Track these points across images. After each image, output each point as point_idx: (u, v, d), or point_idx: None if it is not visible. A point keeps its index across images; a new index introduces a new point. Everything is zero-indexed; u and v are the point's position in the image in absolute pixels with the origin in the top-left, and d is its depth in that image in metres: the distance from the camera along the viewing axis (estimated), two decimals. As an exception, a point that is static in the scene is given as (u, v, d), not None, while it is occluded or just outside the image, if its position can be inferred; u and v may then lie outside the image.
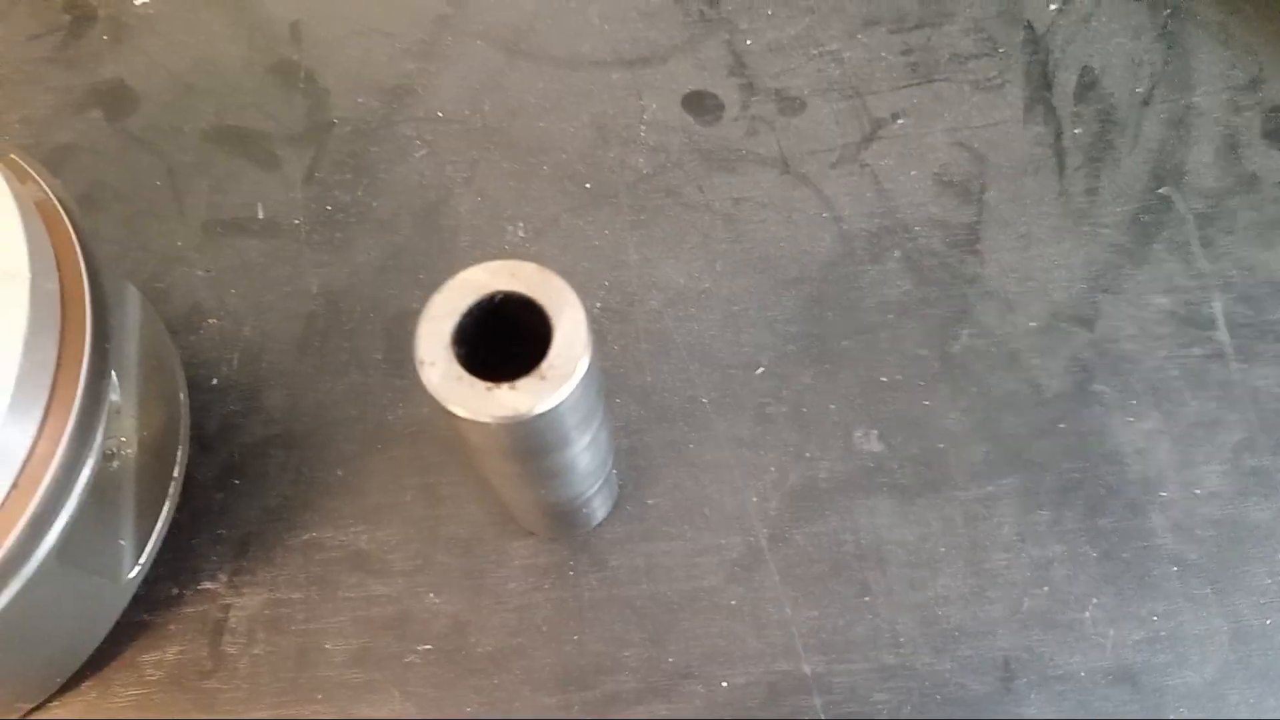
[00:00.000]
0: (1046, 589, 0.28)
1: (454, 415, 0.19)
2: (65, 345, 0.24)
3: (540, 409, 0.19)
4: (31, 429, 0.23)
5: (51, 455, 0.23)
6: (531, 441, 0.21)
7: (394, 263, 0.33)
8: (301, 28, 0.38)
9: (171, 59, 0.37)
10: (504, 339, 0.20)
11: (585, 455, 0.23)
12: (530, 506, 0.26)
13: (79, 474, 0.24)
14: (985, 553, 0.28)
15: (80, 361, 0.24)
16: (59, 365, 0.24)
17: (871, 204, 0.33)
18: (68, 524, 0.24)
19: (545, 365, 0.19)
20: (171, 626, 0.28)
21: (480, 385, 0.19)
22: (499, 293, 0.20)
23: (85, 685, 0.28)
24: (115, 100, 0.37)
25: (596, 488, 0.26)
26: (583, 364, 0.20)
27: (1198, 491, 0.29)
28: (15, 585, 0.23)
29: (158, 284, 0.33)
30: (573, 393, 0.20)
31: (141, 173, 0.35)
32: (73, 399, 0.24)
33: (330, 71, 0.37)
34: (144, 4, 0.39)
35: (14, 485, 0.23)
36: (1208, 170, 0.33)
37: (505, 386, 0.19)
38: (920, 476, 0.29)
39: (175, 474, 0.29)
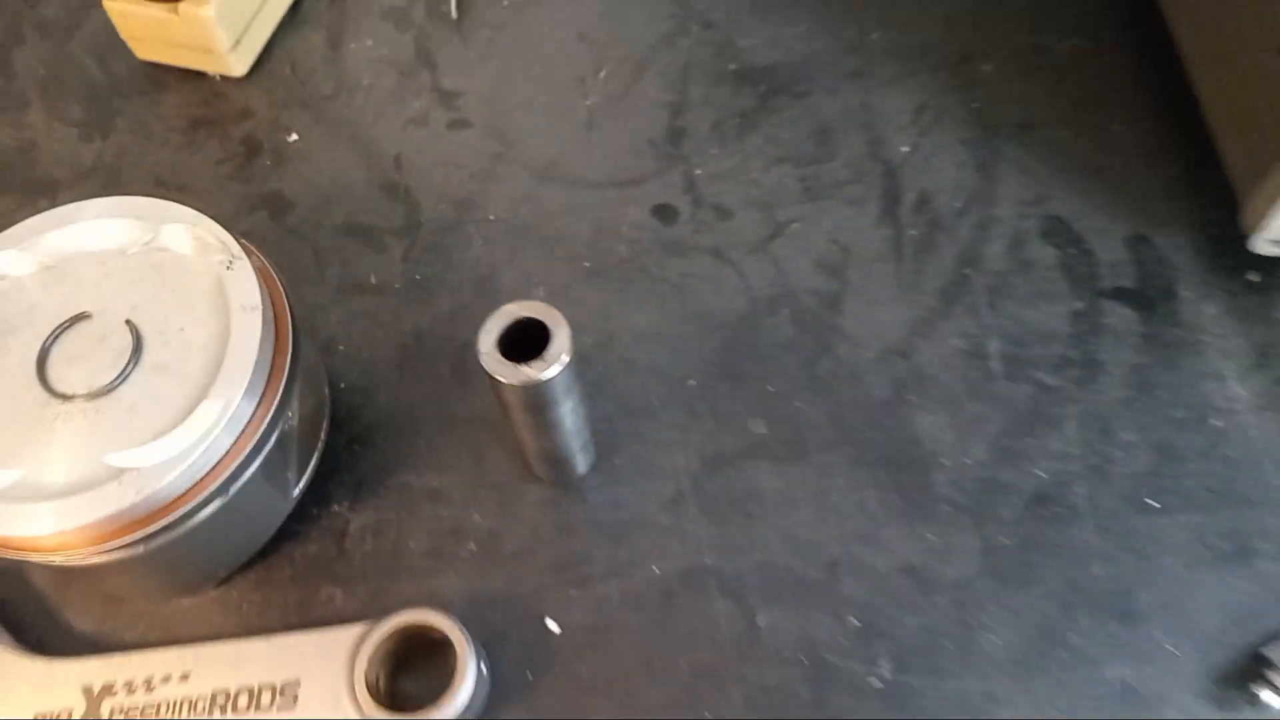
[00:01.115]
0: (864, 519, 0.44)
1: (497, 380, 0.36)
2: (277, 354, 0.41)
3: (543, 377, 0.36)
4: (255, 400, 0.40)
5: (265, 418, 0.40)
6: (538, 399, 0.38)
7: (460, 313, 0.50)
8: (402, 159, 0.56)
9: (315, 177, 0.56)
10: (525, 342, 0.37)
11: (569, 417, 0.40)
12: (539, 454, 0.43)
13: (275, 431, 0.41)
14: (827, 496, 0.44)
15: (285, 365, 0.41)
16: (273, 366, 0.41)
17: (772, 279, 0.50)
18: (265, 457, 0.41)
19: (547, 355, 0.36)
20: (312, 533, 0.45)
21: (510, 364, 0.36)
22: (523, 317, 0.37)
23: (254, 566, 0.45)
24: (276, 205, 0.55)
25: (579, 446, 0.43)
26: (565, 356, 0.36)
27: (967, 461, 0.45)
28: (236, 487, 0.40)
29: (310, 323, 0.50)
30: (561, 371, 0.36)
31: (295, 253, 0.53)
32: (279, 387, 0.41)
33: (420, 188, 0.55)
34: (295, 140, 0.58)
35: (242, 432, 0.40)
36: (999, 258, 0.50)
37: (525, 365, 0.36)
38: (789, 450, 0.45)
39: (321, 438, 0.46)
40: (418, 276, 0.52)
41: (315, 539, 0.45)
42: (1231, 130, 0.48)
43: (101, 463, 0.37)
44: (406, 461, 0.47)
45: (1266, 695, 0.39)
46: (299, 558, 0.45)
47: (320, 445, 0.46)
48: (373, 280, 0.52)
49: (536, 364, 0.36)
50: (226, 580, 0.44)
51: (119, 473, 0.36)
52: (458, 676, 0.39)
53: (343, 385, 0.49)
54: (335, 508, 0.46)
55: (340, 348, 0.50)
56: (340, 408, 0.48)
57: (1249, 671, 0.39)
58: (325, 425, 0.46)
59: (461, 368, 0.49)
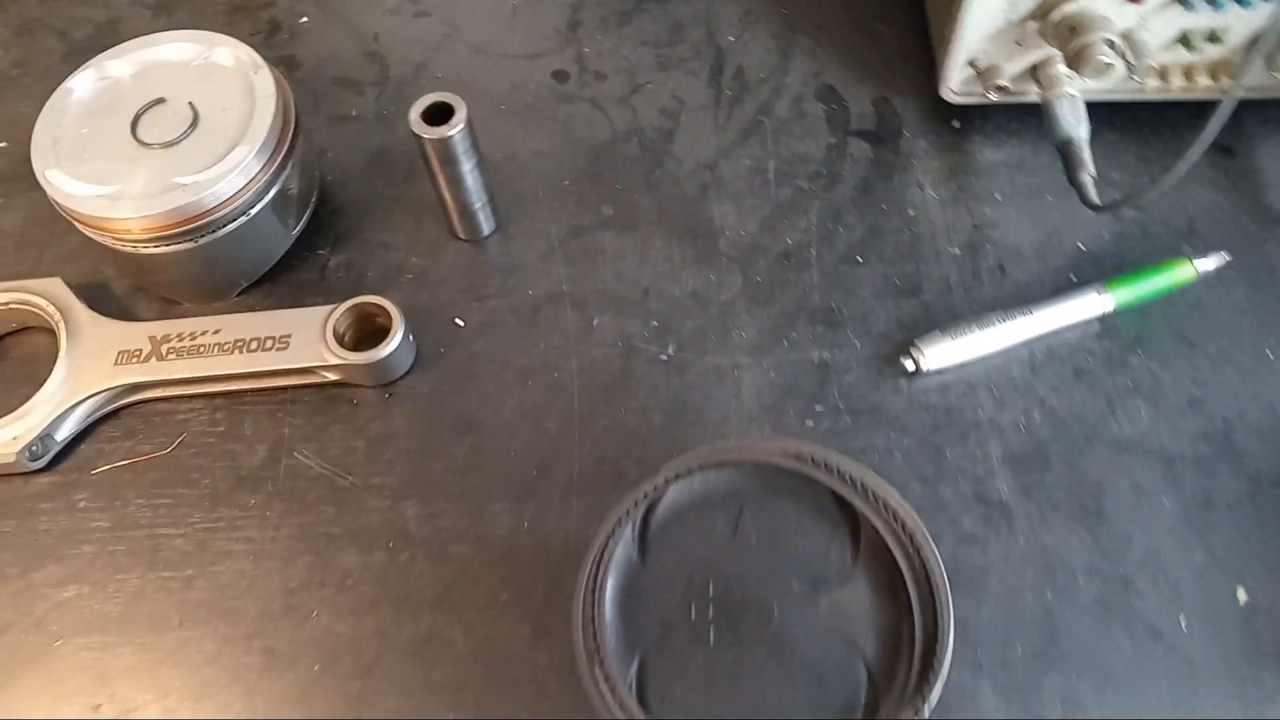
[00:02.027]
0: (669, 265, 0.66)
1: (421, 137, 0.58)
2: (284, 129, 0.63)
3: (450, 134, 0.58)
4: (268, 154, 0.62)
5: (272, 167, 0.62)
6: (448, 151, 0.60)
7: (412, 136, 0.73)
8: (380, 36, 0.78)
9: (318, 48, 0.78)
10: (439, 116, 0.59)
11: (471, 175, 0.62)
12: (455, 209, 0.65)
13: (279, 180, 0.63)
14: (647, 252, 0.66)
15: (289, 137, 0.63)
16: (280, 135, 0.63)
17: (629, 120, 0.72)
18: (273, 197, 0.63)
19: (451, 122, 0.58)
20: (303, 267, 0.67)
21: (429, 126, 0.58)
22: (438, 100, 0.59)
23: (262, 285, 0.66)
24: (289, 64, 0.77)
25: (481, 205, 0.65)
26: (462, 125, 0.58)
27: (742, 233, 0.67)
28: (255, 210, 0.62)
29: (307, 136, 0.72)
30: (460, 130, 0.58)
31: (300, 95, 0.75)
32: (284, 150, 0.63)
33: (391, 56, 0.77)
34: (305, 22, 0.80)
35: (258, 172, 0.62)
36: (784, 110, 0.72)
37: (437, 126, 0.58)
38: (626, 223, 0.67)
39: (311, 204, 0.68)
40: (384, 112, 0.74)
41: (304, 270, 0.67)
42: (936, 9, 0.70)
43: (170, 181, 0.59)
44: (369, 225, 0.69)
45: (907, 359, 0.60)
46: (293, 281, 0.67)
47: (311, 207, 0.68)
48: (354, 113, 0.74)
49: (444, 126, 0.58)
50: (245, 291, 0.66)
51: (180, 186, 0.59)
52: (391, 332, 0.61)
53: (329, 177, 0.71)
54: (320, 251, 0.68)
55: (329, 154, 0.72)
56: (327, 189, 0.70)
57: (902, 350, 0.61)
58: (315, 197, 0.68)
59: (410, 170, 0.71)
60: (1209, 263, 0.62)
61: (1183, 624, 0.54)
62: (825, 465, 0.46)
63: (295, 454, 0.60)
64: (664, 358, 0.63)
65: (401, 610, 0.56)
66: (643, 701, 0.43)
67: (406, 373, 0.63)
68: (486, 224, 0.67)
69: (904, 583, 0.44)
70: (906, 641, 0.43)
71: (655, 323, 0.64)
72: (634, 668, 0.44)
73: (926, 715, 0.41)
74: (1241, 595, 0.54)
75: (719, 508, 0.47)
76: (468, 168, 0.62)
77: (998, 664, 0.53)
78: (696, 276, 0.66)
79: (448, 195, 0.64)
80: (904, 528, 0.45)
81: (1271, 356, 0.61)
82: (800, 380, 0.62)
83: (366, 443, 0.61)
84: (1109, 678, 0.52)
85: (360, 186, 0.71)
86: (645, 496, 0.46)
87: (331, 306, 0.62)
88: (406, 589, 0.56)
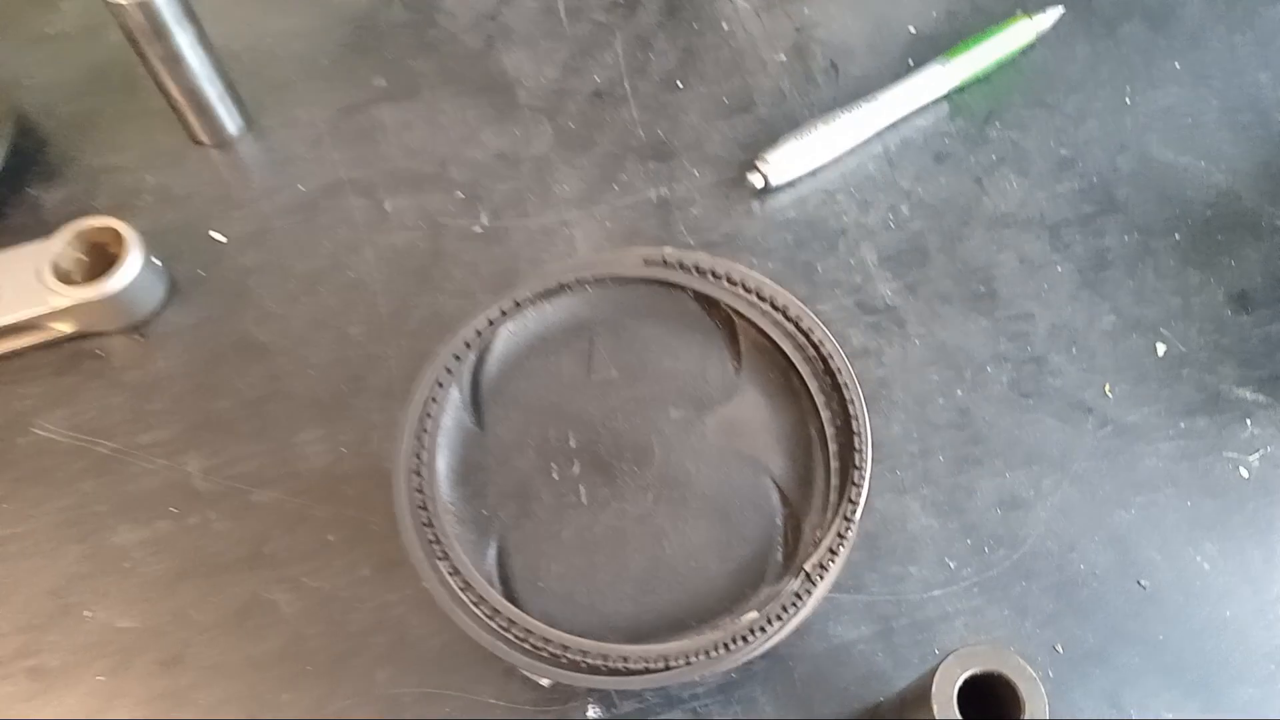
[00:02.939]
0: (466, 129, 0.56)
1: (116, 4, 0.46)
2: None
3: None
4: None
5: None
6: (154, 20, 0.48)
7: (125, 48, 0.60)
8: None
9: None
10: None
11: (192, 52, 0.50)
12: (185, 102, 0.53)
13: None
14: (436, 119, 0.56)
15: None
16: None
17: None
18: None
19: (150, -22, 0.46)
20: (14, 214, 0.53)
21: (121, -14, 0.46)
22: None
23: (-33, 246, 0.53)
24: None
25: (218, 95, 0.53)
26: (169, -20, 0.47)
27: (542, 80, 0.57)
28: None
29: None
30: (164, -9, 0.47)
31: (-22, 24, 0.61)
32: None
33: None
34: None
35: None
36: None
37: (132, -15, 0.46)
38: (406, 93, 0.57)
39: (6, 139, 0.54)
40: (90, 24, 0.60)
41: (15, 216, 0.53)
42: None
43: None
44: (88, 149, 0.55)
45: (753, 176, 0.52)
46: (3, 230, 0.53)
47: (6, 143, 0.54)
48: (51, 31, 0.60)
49: (140, -16, 0.46)
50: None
51: None
52: (124, 256, 0.48)
53: (29, 106, 0.57)
54: (29, 191, 0.54)
55: (27, 82, 0.58)
56: (29, 120, 0.56)
57: (747, 168, 0.53)
58: (9, 131, 0.55)
59: (132, 78, 0.58)
60: (1046, 19, 0.57)
61: (1108, 391, 0.48)
62: (681, 265, 0.37)
63: (36, 428, 0.47)
64: (478, 229, 0.53)
65: (203, 583, 0.44)
66: (509, 592, 0.33)
67: (161, 307, 0.50)
68: (231, 121, 0.55)
69: (800, 378, 0.36)
70: (817, 444, 0.35)
71: (460, 193, 0.54)
72: (491, 554, 0.34)
73: (856, 519, 0.33)
74: (1160, 348, 0.49)
75: (564, 345, 0.37)
76: (184, 41, 0.50)
77: (920, 479, 0.46)
78: (499, 135, 0.56)
79: (172, 86, 0.52)
80: (787, 315, 0.36)
81: (1130, 101, 0.56)
82: (640, 223, 0.53)
83: (126, 397, 0.48)
84: (1043, 464, 0.46)
85: (72, 109, 0.57)
86: (467, 346, 0.36)
87: (42, 242, 0.49)
88: (205, 557, 0.44)
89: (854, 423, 0.34)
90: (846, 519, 0.33)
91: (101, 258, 0.50)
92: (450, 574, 0.32)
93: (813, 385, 0.35)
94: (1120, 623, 0.42)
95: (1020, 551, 0.44)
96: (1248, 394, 0.48)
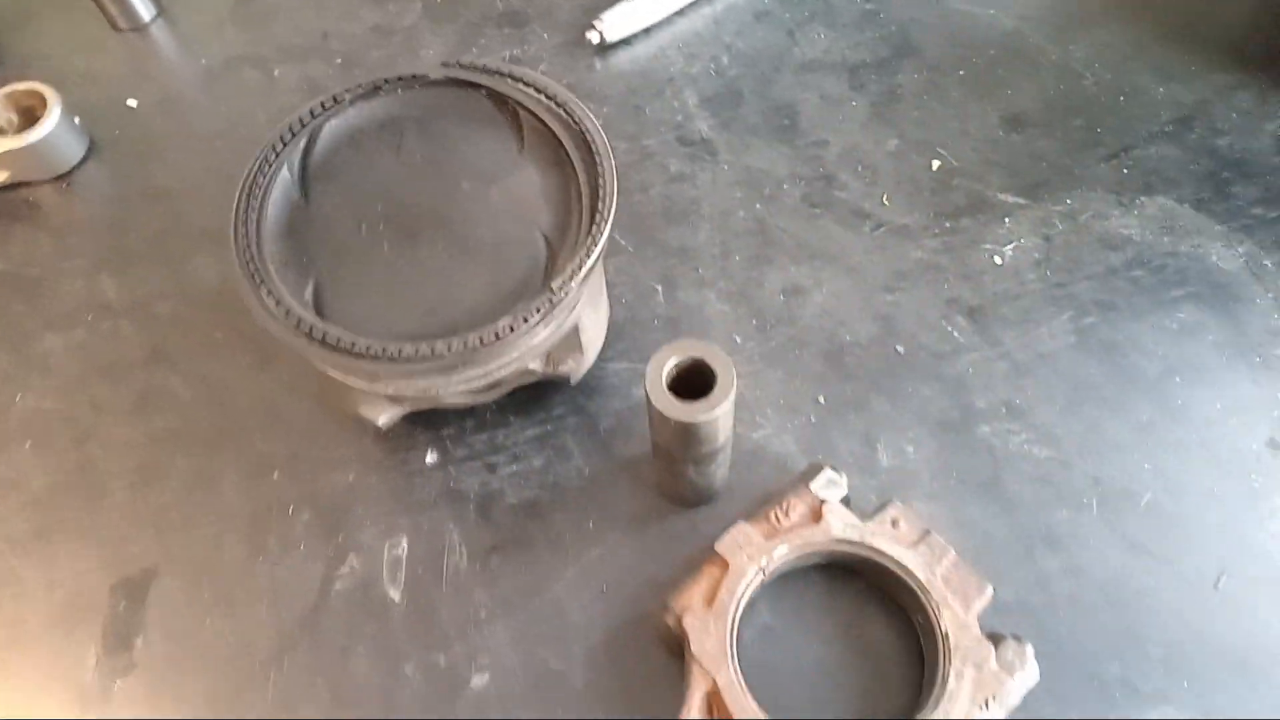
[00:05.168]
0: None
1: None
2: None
3: None
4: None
5: None
6: None
7: None
8: None
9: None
10: None
11: (102, -60, 0.58)
12: (100, -11, 0.61)
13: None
14: None
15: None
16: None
17: None
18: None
19: None
20: None
21: None
22: None
23: None
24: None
25: (130, -19, 0.61)
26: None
27: None
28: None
29: None
30: None
31: None
32: None
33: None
34: None
35: None
36: None
37: None
38: None
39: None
40: (24, -65, 0.69)
41: None
42: None
43: None
44: (22, 41, 0.64)
45: (590, 34, 0.60)
46: None
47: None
48: None
49: None
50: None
51: None
52: (47, 110, 0.57)
53: (-30, 4, 0.66)
54: None
55: (-34, -16, 0.67)
56: (-33, 14, 0.65)
57: (587, 29, 0.61)
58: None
59: (61, -18, 0.66)
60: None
61: (885, 201, 0.55)
62: (475, 67, 0.45)
63: (-26, 263, 0.56)
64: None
65: (113, 376, 0.52)
66: (323, 316, 0.41)
67: (82, 162, 0.59)
68: (145, 9, 0.63)
69: (567, 153, 0.44)
70: (575, 201, 0.43)
71: (339, 60, 0.62)
72: (309, 289, 0.42)
73: (595, 255, 0.41)
74: (935, 164, 0.56)
75: (379, 137, 0.45)
76: None
77: (719, 274, 0.53)
78: (375, 11, 0.64)
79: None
80: (558, 102, 0.44)
81: (932, -40, 0.63)
82: (494, 80, 0.61)
83: (51, 234, 0.57)
84: (823, 260, 0.54)
85: (10, 5, 0.66)
86: (291, 131, 0.44)
87: (-26, 103, 0.57)
88: (115, 356, 0.53)
89: (601, 182, 0.42)
90: (588, 251, 0.40)
91: (29, 119, 0.58)
92: (274, 303, 0.40)
93: (575, 158, 0.43)
94: (877, 380, 0.50)
95: (797, 328, 0.52)
96: (1010, 197, 0.55)
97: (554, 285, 0.40)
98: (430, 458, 0.49)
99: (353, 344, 0.39)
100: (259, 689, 0.43)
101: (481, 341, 0.38)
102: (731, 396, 0.38)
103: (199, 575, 0.46)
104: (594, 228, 0.41)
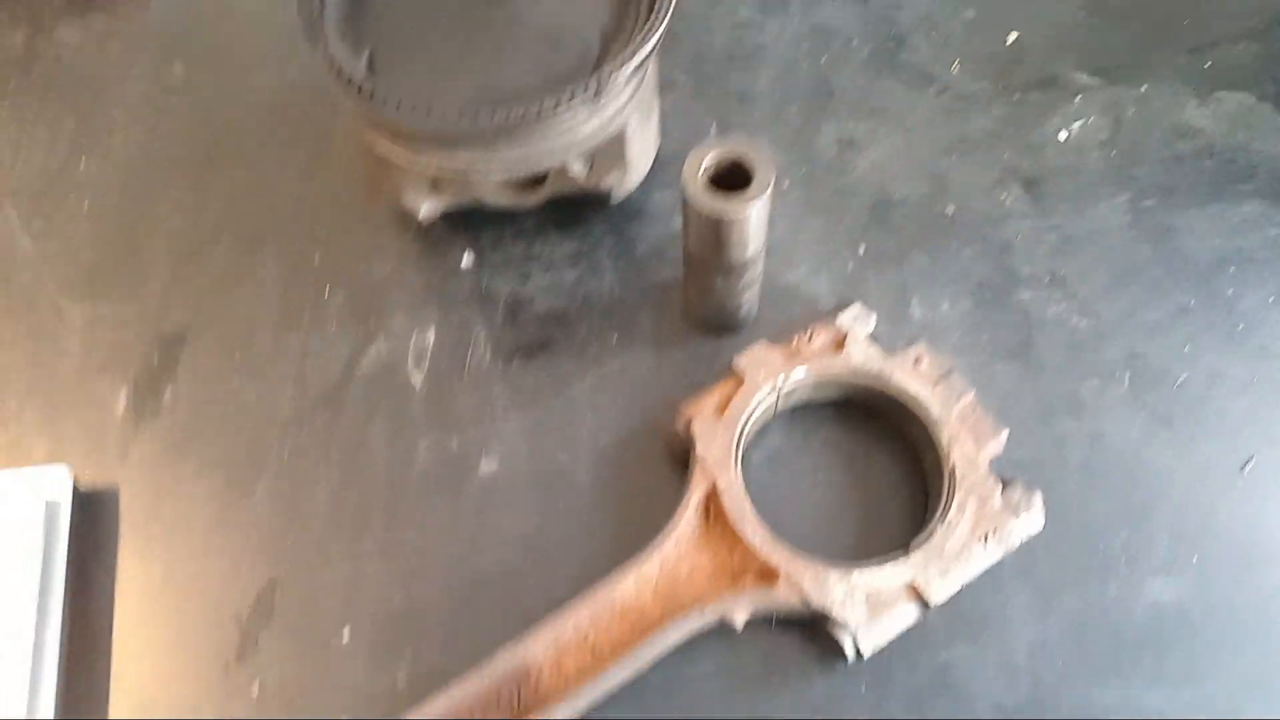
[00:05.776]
0: None
1: None
2: None
3: None
4: None
5: None
6: None
7: None
8: None
9: None
10: None
11: None
12: None
13: None
14: None
15: None
16: None
17: None
18: None
19: None
20: None
21: None
22: None
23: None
24: None
25: None
26: None
27: None
28: None
29: None
30: None
31: None
32: None
33: None
34: None
35: None
36: None
37: None
38: None
39: None
40: None
41: None
42: None
43: None
44: None
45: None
46: None
47: None
48: None
49: None
50: None
51: None
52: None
53: None
54: None
55: None
56: None
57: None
58: None
59: None
60: None
61: (954, 68, 0.54)
62: None
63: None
64: None
65: (171, 159, 0.54)
66: (376, 83, 0.42)
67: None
68: None
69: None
70: (635, 4, 0.43)
71: None
72: (364, 58, 0.43)
73: (649, 47, 0.40)
74: (1011, 37, 0.55)
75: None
76: None
77: (774, 121, 0.53)
78: None
79: None
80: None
81: None
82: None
83: (126, 21, 0.58)
84: (883, 116, 0.53)
85: None
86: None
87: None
88: (175, 141, 0.54)
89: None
90: (642, 41, 0.40)
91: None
92: (331, 68, 0.41)
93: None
94: (921, 237, 0.49)
95: (847, 179, 0.51)
96: (1084, 76, 0.53)
97: (603, 70, 0.40)
98: (466, 260, 0.49)
99: (399, 101, 0.39)
100: (276, 448, 0.45)
101: (524, 116, 0.39)
102: (768, 194, 0.38)
103: (232, 339, 0.48)
104: (650, 23, 0.41)
